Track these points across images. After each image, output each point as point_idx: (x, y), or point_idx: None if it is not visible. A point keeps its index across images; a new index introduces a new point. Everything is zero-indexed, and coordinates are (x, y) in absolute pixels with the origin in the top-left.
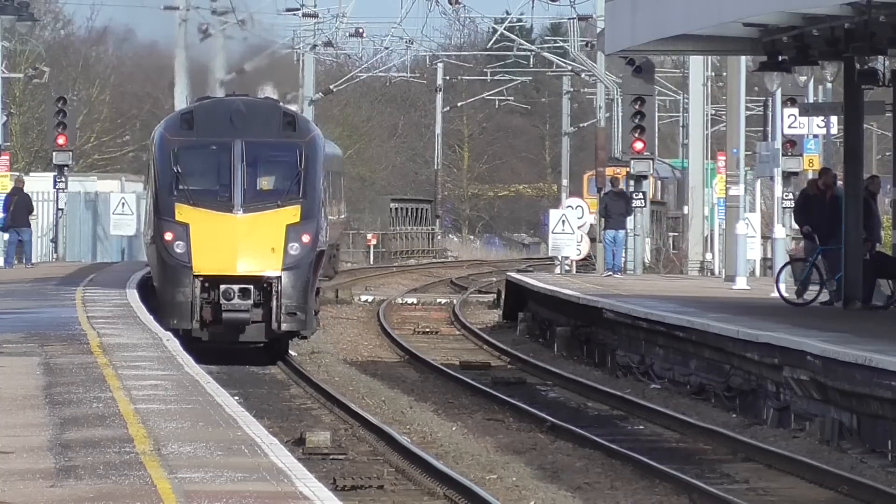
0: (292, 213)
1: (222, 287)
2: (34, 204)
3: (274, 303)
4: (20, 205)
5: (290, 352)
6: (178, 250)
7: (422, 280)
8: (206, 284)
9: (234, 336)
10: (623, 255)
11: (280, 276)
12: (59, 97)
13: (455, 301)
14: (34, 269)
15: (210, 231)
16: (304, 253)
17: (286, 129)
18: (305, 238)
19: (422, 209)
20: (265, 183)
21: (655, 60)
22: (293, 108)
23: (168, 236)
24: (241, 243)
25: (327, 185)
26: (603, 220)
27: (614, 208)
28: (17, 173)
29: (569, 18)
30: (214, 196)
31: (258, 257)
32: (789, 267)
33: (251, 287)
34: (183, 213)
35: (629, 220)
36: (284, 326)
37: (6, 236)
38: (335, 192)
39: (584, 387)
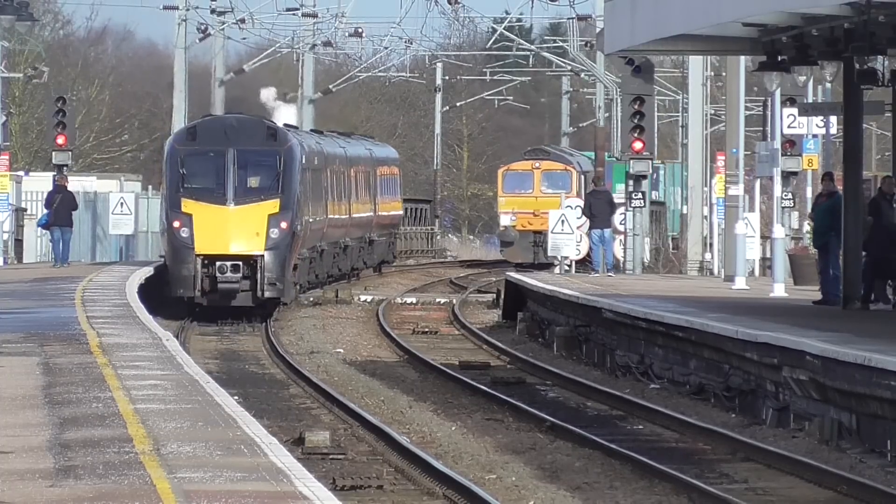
0: (273, 205)
1: (218, 263)
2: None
3: (258, 275)
4: (64, 204)
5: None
6: (184, 235)
7: (421, 280)
8: (206, 261)
9: (227, 302)
10: (612, 252)
11: (263, 255)
12: (58, 97)
13: (454, 301)
14: (33, 269)
15: (208, 220)
16: (283, 236)
17: (269, 139)
18: (283, 224)
19: (421, 209)
20: (252, 182)
21: (655, 60)
22: (291, 108)
23: (176, 224)
24: (233, 229)
25: (331, 182)
26: (588, 219)
27: (598, 207)
28: (62, 173)
29: (568, 18)
30: (212, 192)
31: (246, 240)
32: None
33: (241, 263)
34: (187, 205)
35: (616, 218)
36: (267, 294)
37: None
38: (393, 189)
39: (583, 387)
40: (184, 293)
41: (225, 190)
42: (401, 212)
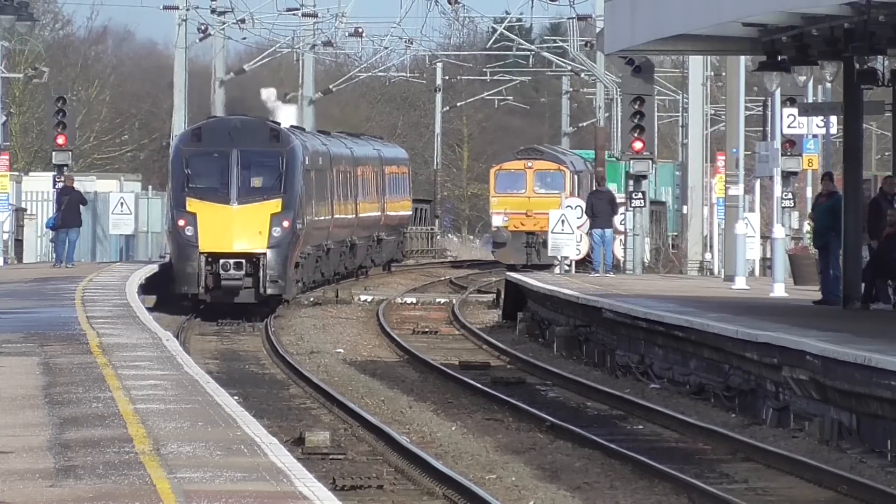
0: (275, 204)
1: (221, 261)
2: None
3: (261, 273)
4: (72, 204)
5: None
6: (188, 233)
7: (421, 280)
8: (210, 259)
9: (230, 298)
10: (612, 252)
11: (266, 253)
12: (58, 97)
13: (454, 301)
14: (33, 269)
15: (213, 218)
16: (284, 235)
17: (271, 140)
18: (285, 223)
19: (421, 209)
20: (255, 182)
21: (655, 60)
22: (292, 108)
23: (181, 222)
24: (236, 228)
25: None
26: (590, 219)
27: (599, 207)
28: (63, 173)
29: (568, 18)
30: (216, 192)
31: (249, 238)
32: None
33: (243, 261)
34: (192, 205)
35: (617, 219)
36: (269, 291)
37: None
38: (402, 189)
39: (583, 386)
40: (188, 290)
41: (228, 189)
42: (409, 211)
